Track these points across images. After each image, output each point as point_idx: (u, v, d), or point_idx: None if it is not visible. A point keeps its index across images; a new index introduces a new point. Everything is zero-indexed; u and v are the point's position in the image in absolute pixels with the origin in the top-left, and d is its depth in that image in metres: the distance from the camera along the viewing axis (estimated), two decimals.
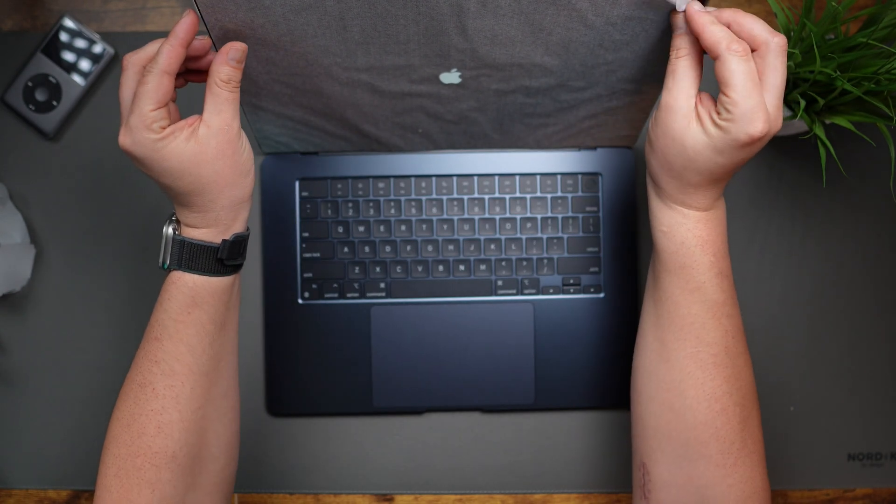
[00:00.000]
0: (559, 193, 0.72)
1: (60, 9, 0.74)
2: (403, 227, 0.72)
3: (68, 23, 0.72)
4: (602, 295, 0.72)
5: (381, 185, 0.72)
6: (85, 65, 0.72)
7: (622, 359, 0.72)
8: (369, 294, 0.72)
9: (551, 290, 0.72)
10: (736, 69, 0.48)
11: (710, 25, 0.49)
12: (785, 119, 0.65)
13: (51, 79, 0.72)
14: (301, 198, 0.72)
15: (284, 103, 0.62)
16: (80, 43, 0.72)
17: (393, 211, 0.72)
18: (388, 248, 0.72)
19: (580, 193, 0.72)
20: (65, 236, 0.73)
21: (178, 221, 0.54)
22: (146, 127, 0.49)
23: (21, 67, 0.72)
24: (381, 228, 0.72)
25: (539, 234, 0.72)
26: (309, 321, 0.72)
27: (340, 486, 0.72)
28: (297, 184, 0.72)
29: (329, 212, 0.72)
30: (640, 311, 0.73)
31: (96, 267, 0.73)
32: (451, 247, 0.72)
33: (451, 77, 0.59)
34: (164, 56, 0.49)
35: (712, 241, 0.54)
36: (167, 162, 0.50)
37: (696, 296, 0.54)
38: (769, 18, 0.75)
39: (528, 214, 0.72)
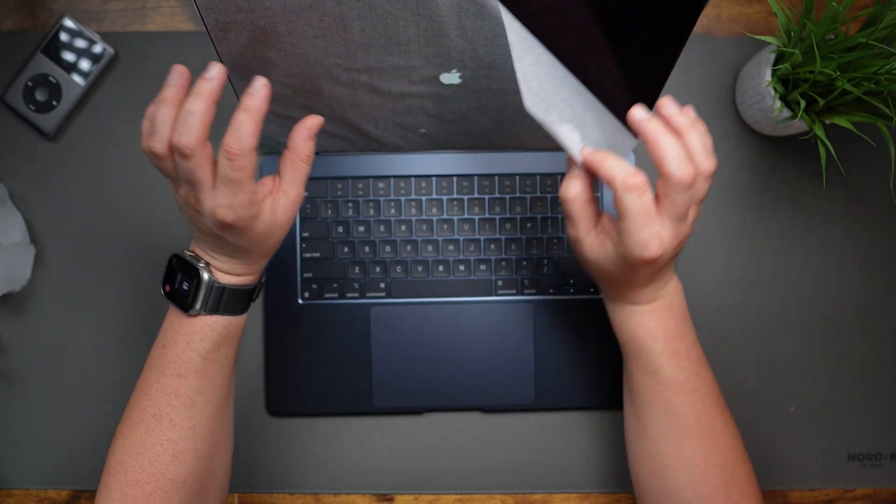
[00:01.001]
0: (559, 193, 0.72)
1: (60, 9, 0.74)
2: (403, 227, 0.72)
3: (68, 23, 0.72)
4: (602, 295, 0.72)
5: (381, 185, 0.72)
6: (85, 65, 0.72)
7: (622, 359, 0.72)
8: (369, 294, 0.72)
9: (551, 290, 0.72)
10: (629, 205, 0.50)
11: (604, 163, 0.50)
12: (785, 119, 0.65)
13: (51, 79, 0.72)
14: None
15: (284, 103, 0.61)
16: (80, 43, 0.72)
17: (393, 211, 0.72)
18: (388, 248, 0.72)
19: None
20: (65, 236, 0.73)
21: (207, 265, 0.54)
22: (253, 203, 0.50)
23: (21, 67, 0.72)
24: (381, 228, 0.72)
25: (539, 234, 0.72)
26: (309, 321, 0.72)
27: (340, 486, 0.72)
28: None
29: (329, 212, 0.72)
30: None
31: (96, 267, 0.73)
32: (451, 247, 0.72)
33: (451, 77, 0.59)
34: (251, 136, 0.48)
35: (662, 328, 0.56)
36: (258, 228, 0.52)
37: (656, 378, 0.56)
38: (769, 18, 0.75)
39: (529, 214, 0.72)
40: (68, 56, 0.72)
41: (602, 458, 0.73)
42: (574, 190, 0.53)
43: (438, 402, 0.72)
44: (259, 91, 0.49)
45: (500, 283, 0.72)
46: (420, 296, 0.72)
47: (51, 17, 0.74)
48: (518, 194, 0.72)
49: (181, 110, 0.48)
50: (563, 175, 0.72)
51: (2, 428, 0.72)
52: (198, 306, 0.53)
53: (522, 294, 0.72)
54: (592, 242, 0.54)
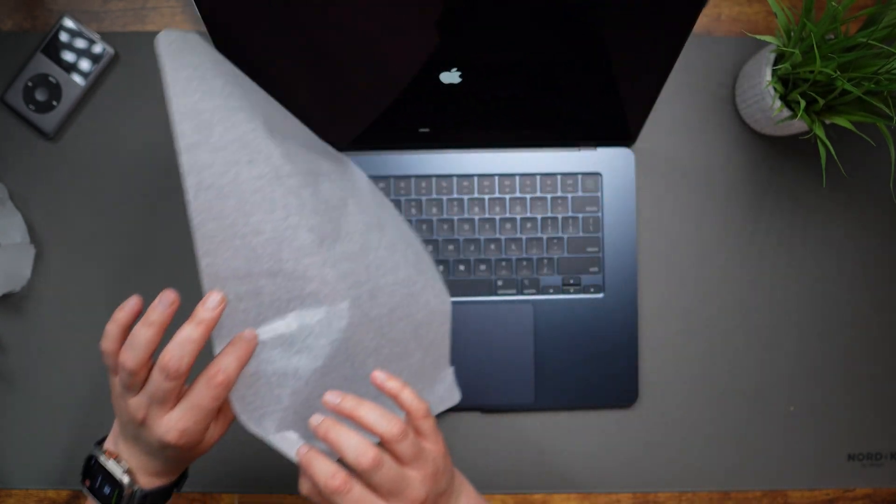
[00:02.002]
0: (559, 193, 0.72)
1: (60, 9, 0.74)
2: None
3: (68, 23, 0.72)
4: (602, 295, 0.72)
5: (380, 185, 0.72)
6: (85, 65, 0.72)
7: (622, 359, 0.72)
8: None
9: (551, 290, 0.72)
10: None
11: (310, 467, 0.50)
12: (785, 119, 0.65)
13: (51, 79, 0.72)
14: None
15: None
16: (80, 43, 0.72)
17: None
18: None
19: (580, 193, 0.72)
20: (65, 236, 0.73)
21: (129, 471, 0.53)
22: (207, 427, 0.51)
23: (21, 67, 0.72)
24: None
25: (539, 234, 0.72)
26: None
27: None
28: None
29: None
30: (639, 312, 0.73)
31: (96, 267, 0.73)
32: (451, 247, 0.72)
33: (451, 77, 0.59)
34: (238, 372, 0.50)
35: None
36: (199, 449, 0.53)
37: None
38: (769, 18, 0.75)
39: (528, 214, 0.72)
40: (68, 56, 0.72)
41: (602, 458, 0.73)
42: (305, 488, 0.53)
43: None
44: (252, 340, 0.51)
45: (500, 283, 0.72)
46: None
47: (51, 17, 0.74)
48: (518, 194, 0.72)
49: (181, 336, 0.49)
50: (562, 175, 0.72)
51: (2, 428, 0.72)
52: None
53: (522, 294, 0.72)
54: None
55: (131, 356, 0.49)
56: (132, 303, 0.51)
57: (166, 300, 0.49)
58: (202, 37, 0.52)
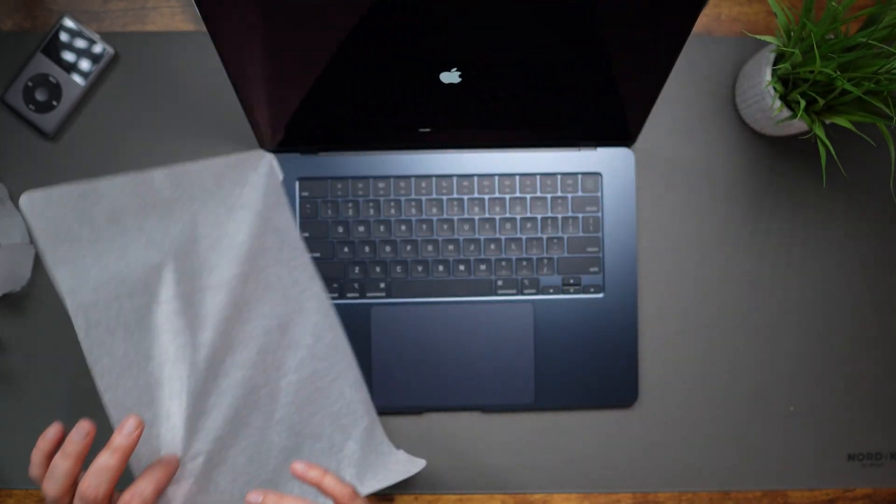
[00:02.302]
0: (559, 193, 0.72)
1: (60, 9, 0.74)
2: (403, 227, 0.72)
3: (68, 23, 0.72)
4: (602, 295, 0.72)
5: (381, 184, 0.72)
6: (85, 65, 0.72)
7: (622, 359, 0.72)
8: (369, 294, 0.72)
9: (551, 290, 0.72)
10: None
11: None
12: (785, 119, 0.65)
13: (51, 79, 0.72)
14: (301, 198, 0.72)
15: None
16: (80, 43, 0.72)
17: (393, 211, 0.72)
18: (388, 248, 0.72)
19: (580, 193, 0.72)
20: None
21: None
22: None
23: (21, 67, 0.72)
24: (381, 228, 0.72)
25: (539, 234, 0.72)
26: None
27: None
28: (297, 183, 0.72)
29: (329, 212, 0.72)
30: (639, 312, 0.73)
31: None
32: (450, 247, 0.72)
33: (451, 77, 0.59)
34: (155, 495, 0.52)
35: None
36: None
37: None
38: (769, 18, 0.75)
39: (528, 214, 0.72)
40: (68, 56, 0.72)
41: (602, 458, 0.73)
42: None
43: (438, 402, 0.72)
44: (171, 464, 0.53)
45: (500, 283, 0.72)
46: (420, 296, 0.72)
47: (51, 17, 0.74)
48: (518, 194, 0.72)
49: (98, 464, 0.50)
50: (562, 175, 0.72)
51: (2, 428, 0.72)
52: None
53: (522, 294, 0.72)
54: None
55: (51, 486, 0.51)
56: (52, 431, 0.53)
57: (82, 431, 0.51)
58: (69, 188, 0.55)
